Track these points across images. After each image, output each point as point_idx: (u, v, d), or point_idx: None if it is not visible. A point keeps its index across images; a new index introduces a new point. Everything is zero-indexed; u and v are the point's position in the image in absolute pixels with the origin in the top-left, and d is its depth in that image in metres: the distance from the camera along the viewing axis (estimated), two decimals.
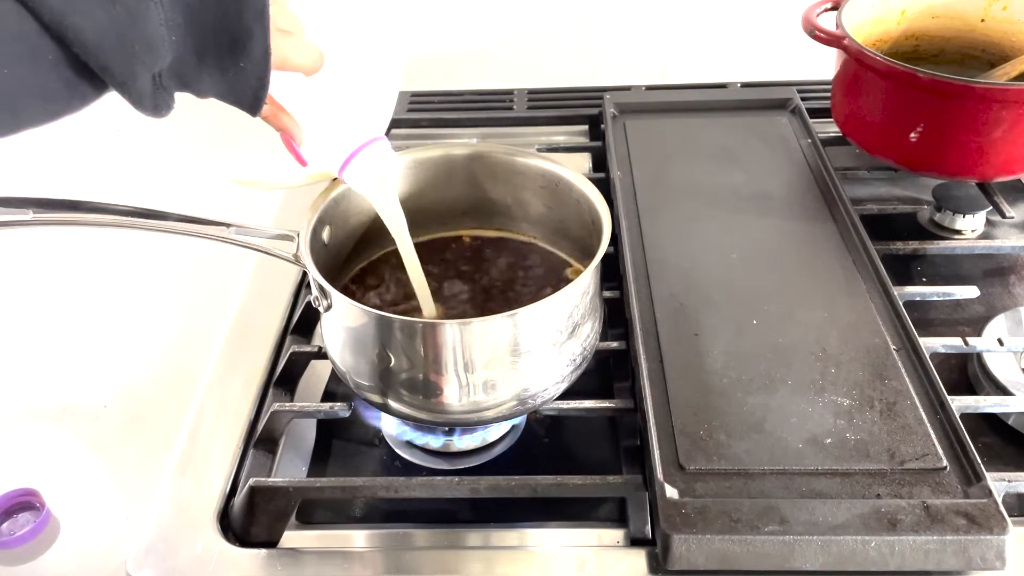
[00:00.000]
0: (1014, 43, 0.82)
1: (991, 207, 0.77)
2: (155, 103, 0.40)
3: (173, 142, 0.96)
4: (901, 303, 0.61)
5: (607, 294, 0.66)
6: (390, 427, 0.61)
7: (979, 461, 0.49)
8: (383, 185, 0.57)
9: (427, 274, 0.60)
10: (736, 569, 0.46)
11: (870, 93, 0.75)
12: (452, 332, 0.51)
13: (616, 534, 0.54)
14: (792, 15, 0.80)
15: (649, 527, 0.52)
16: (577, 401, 0.59)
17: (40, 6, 0.34)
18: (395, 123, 0.94)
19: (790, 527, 0.46)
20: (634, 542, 0.53)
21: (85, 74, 0.37)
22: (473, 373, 0.52)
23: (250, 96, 0.43)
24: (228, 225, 0.53)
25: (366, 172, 0.54)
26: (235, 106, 0.43)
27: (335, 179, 0.62)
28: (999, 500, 0.47)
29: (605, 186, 0.75)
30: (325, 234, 0.60)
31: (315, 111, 0.51)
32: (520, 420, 0.62)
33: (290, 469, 0.60)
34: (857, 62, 0.75)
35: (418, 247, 0.59)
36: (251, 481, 0.54)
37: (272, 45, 0.42)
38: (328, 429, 0.63)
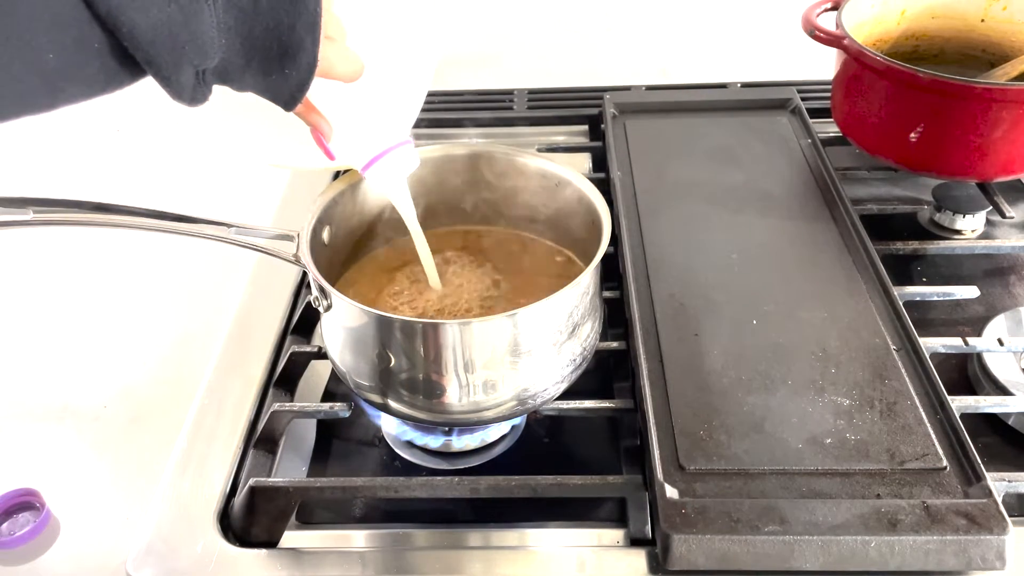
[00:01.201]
0: (1014, 43, 0.82)
1: (991, 207, 0.77)
2: (193, 96, 0.40)
3: (173, 142, 0.96)
4: (901, 303, 0.61)
5: (607, 294, 0.66)
6: (390, 427, 0.61)
7: (979, 461, 0.49)
8: (401, 183, 0.58)
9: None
10: (736, 569, 0.46)
11: (870, 93, 0.75)
12: (452, 332, 0.51)
13: (616, 534, 0.54)
14: (792, 15, 0.80)
15: (649, 527, 0.52)
16: (577, 401, 0.59)
17: (106, 8, 0.34)
18: None
19: (790, 527, 0.46)
20: (634, 542, 0.53)
21: (127, 63, 0.37)
22: (473, 373, 0.52)
23: (287, 97, 0.44)
24: (228, 225, 0.53)
25: (388, 173, 0.56)
26: (271, 102, 0.44)
27: (336, 177, 0.63)
28: (999, 500, 0.47)
29: (605, 186, 0.75)
30: (325, 234, 0.60)
31: (346, 111, 0.52)
32: (520, 420, 0.62)
33: (290, 469, 0.60)
34: (857, 62, 0.75)
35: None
36: (251, 481, 0.54)
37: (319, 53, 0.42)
38: (328, 429, 0.63)
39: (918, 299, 0.67)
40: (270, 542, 0.53)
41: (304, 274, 0.71)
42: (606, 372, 0.64)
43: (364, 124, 0.54)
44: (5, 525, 0.55)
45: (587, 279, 0.54)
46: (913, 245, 0.74)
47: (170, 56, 0.37)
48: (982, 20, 0.83)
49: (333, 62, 0.45)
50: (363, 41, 0.49)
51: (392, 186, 0.58)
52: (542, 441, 0.62)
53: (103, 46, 0.36)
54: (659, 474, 0.49)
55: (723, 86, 0.95)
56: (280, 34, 0.40)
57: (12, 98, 0.35)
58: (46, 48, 0.34)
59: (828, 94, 0.84)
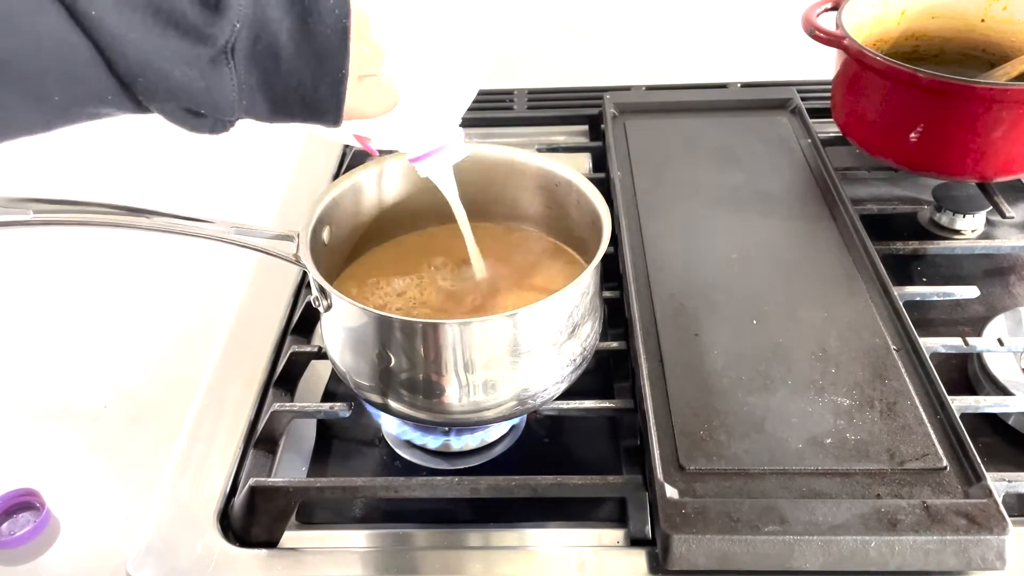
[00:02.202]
0: (1014, 43, 0.82)
1: (991, 207, 0.77)
2: (213, 131, 0.40)
3: (173, 142, 0.96)
4: (901, 303, 0.61)
5: (607, 294, 0.66)
6: (390, 427, 0.61)
7: (979, 461, 0.49)
8: (448, 172, 0.58)
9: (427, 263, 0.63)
10: (736, 569, 0.46)
11: (870, 93, 0.75)
12: (452, 332, 0.51)
13: (616, 534, 0.54)
14: (792, 15, 0.80)
15: (649, 527, 0.52)
16: (577, 401, 0.59)
17: (117, 58, 0.34)
18: None
19: (790, 527, 0.46)
20: (634, 542, 0.53)
21: (139, 107, 0.37)
22: (473, 373, 0.52)
23: (315, 127, 0.43)
24: (228, 225, 0.53)
25: (438, 166, 0.56)
26: None
27: (335, 179, 0.63)
28: (999, 500, 0.47)
29: (605, 186, 0.75)
30: (325, 234, 0.60)
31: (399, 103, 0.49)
32: (520, 420, 0.62)
33: (290, 469, 0.60)
34: (857, 62, 0.75)
35: (418, 239, 0.62)
36: (251, 481, 0.54)
37: (347, 100, 0.41)
38: (328, 429, 0.63)
39: (918, 299, 0.67)
40: (270, 542, 0.53)
41: (304, 274, 0.71)
42: (606, 372, 0.64)
43: (417, 117, 0.52)
44: (5, 525, 0.55)
45: (587, 279, 0.54)
46: (913, 245, 0.74)
47: (189, 112, 0.37)
48: (982, 20, 0.83)
49: (364, 106, 0.44)
50: (416, 39, 0.47)
51: (441, 177, 0.58)
52: (542, 441, 0.62)
53: (117, 97, 0.35)
54: (659, 474, 0.49)
55: (723, 86, 0.95)
56: (303, 94, 0.39)
57: (5, 127, 0.35)
58: (54, 92, 0.34)
59: (828, 94, 0.84)
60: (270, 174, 0.88)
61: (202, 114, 0.38)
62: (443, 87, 0.52)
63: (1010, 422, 0.60)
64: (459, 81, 0.53)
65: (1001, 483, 0.51)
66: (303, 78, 0.39)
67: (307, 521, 0.56)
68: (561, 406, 0.58)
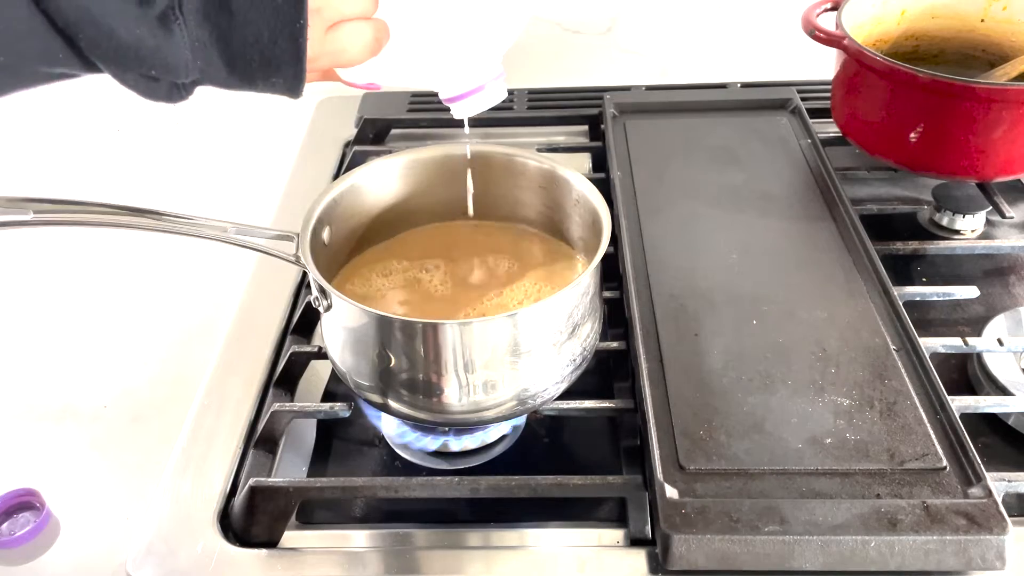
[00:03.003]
0: (1014, 43, 0.82)
1: (991, 207, 0.77)
2: (169, 98, 0.39)
3: (173, 142, 0.96)
4: (901, 303, 0.61)
5: (607, 294, 0.66)
6: (389, 428, 0.61)
7: (979, 461, 0.49)
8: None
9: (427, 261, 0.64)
10: (736, 569, 0.46)
11: (870, 93, 0.75)
12: (452, 332, 0.51)
13: (616, 534, 0.54)
14: (792, 15, 0.80)
15: (649, 527, 0.52)
16: (577, 401, 0.59)
17: (53, 11, 0.33)
18: (395, 123, 0.94)
19: (790, 527, 0.46)
20: (634, 542, 0.53)
21: (93, 68, 0.36)
22: (473, 373, 0.52)
23: (282, 94, 0.41)
24: (228, 225, 0.53)
25: (475, 108, 0.54)
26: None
27: (335, 179, 0.63)
28: (999, 500, 0.47)
29: (605, 186, 0.75)
30: (325, 234, 0.60)
31: (438, 34, 0.48)
32: (520, 420, 0.62)
33: (290, 469, 0.60)
34: (857, 62, 0.75)
35: (419, 237, 0.63)
36: (251, 481, 0.54)
37: (316, 51, 0.40)
38: (328, 429, 0.63)
39: (918, 299, 0.67)
40: (270, 542, 0.53)
41: (304, 274, 0.71)
42: (606, 372, 0.64)
43: (452, 53, 0.50)
44: (5, 525, 0.55)
45: (587, 279, 0.54)
46: (913, 245, 0.74)
47: (140, 75, 0.36)
48: (982, 20, 0.83)
49: (336, 54, 0.42)
50: None
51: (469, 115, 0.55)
52: (542, 441, 0.62)
53: (67, 56, 0.34)
54: (659, 474, 0.50)
55: (723, 86, 0.94)
56: (261, 48, 0.38)
57: None
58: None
59: (828, 94, 0.83)
60: (270, 174, 0.88)
61: (156, 78, 0.37)
62: (479, 22, 0.49)
63: (1010, 422, 0.60)
64: (497, 16, 0.50)
65: (1001, 483, 0.51)
66: (260, 32, 0.37)
67: (307, 521, 0.56)
68: (561, 406, 0.58)
